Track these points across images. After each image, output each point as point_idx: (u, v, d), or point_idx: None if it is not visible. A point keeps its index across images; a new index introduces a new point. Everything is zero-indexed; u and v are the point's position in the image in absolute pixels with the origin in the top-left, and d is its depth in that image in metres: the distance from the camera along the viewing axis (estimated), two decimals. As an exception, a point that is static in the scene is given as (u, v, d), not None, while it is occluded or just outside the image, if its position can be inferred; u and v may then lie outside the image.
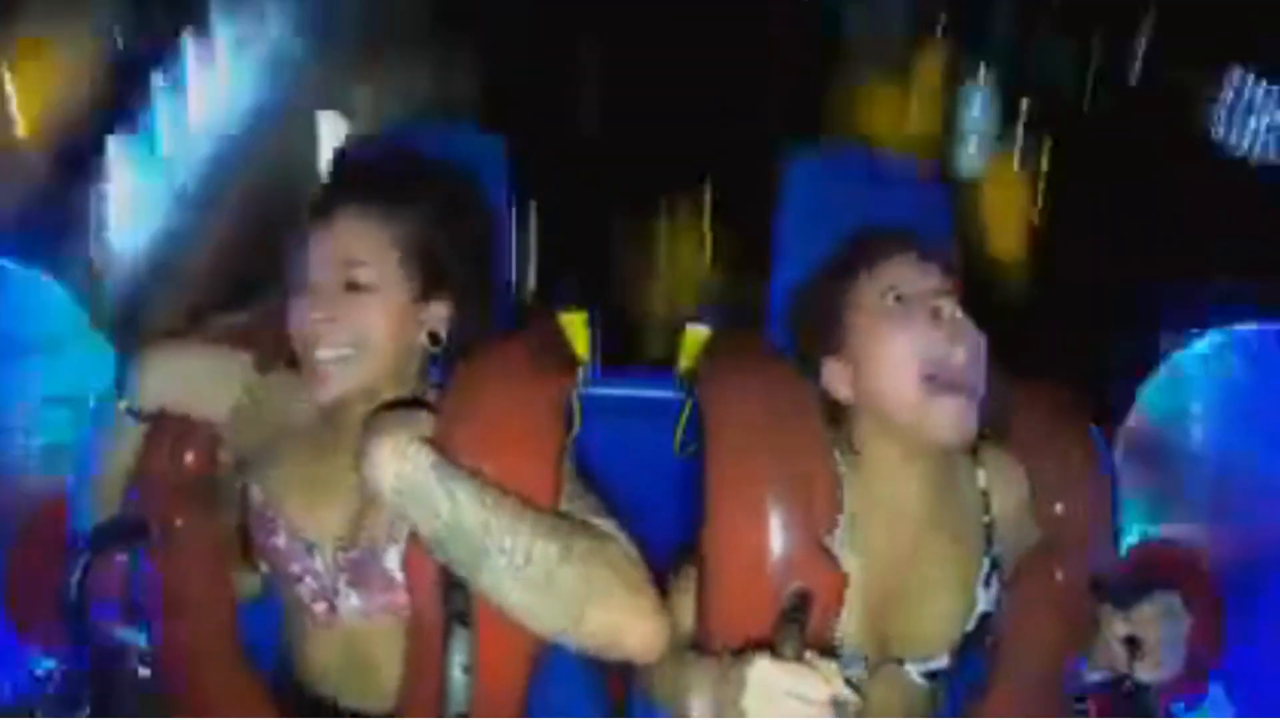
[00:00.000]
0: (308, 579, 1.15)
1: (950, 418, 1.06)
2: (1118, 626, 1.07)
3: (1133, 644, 1.06)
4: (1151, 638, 1.05)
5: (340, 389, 1.10)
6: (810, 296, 1.20)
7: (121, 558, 1.15)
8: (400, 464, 0.99)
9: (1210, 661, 1.47)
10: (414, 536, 1.06)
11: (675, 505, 1.29)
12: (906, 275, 1.12)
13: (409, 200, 1.14)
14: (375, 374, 1.12)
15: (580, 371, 1.47)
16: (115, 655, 1.23)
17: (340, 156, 1.29)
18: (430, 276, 1.14)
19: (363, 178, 1.16)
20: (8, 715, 1.71)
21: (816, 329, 1.16)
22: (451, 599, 0.99)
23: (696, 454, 1.14)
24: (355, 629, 1.14)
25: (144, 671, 1.20)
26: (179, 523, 1.12)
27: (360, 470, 1.01)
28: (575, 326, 1.50)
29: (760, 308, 1.34)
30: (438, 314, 1.15)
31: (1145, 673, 1.06)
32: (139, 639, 1.19)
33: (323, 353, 1.10)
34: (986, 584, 1.15)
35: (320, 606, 1.15)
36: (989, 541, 1.16)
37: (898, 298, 1.11)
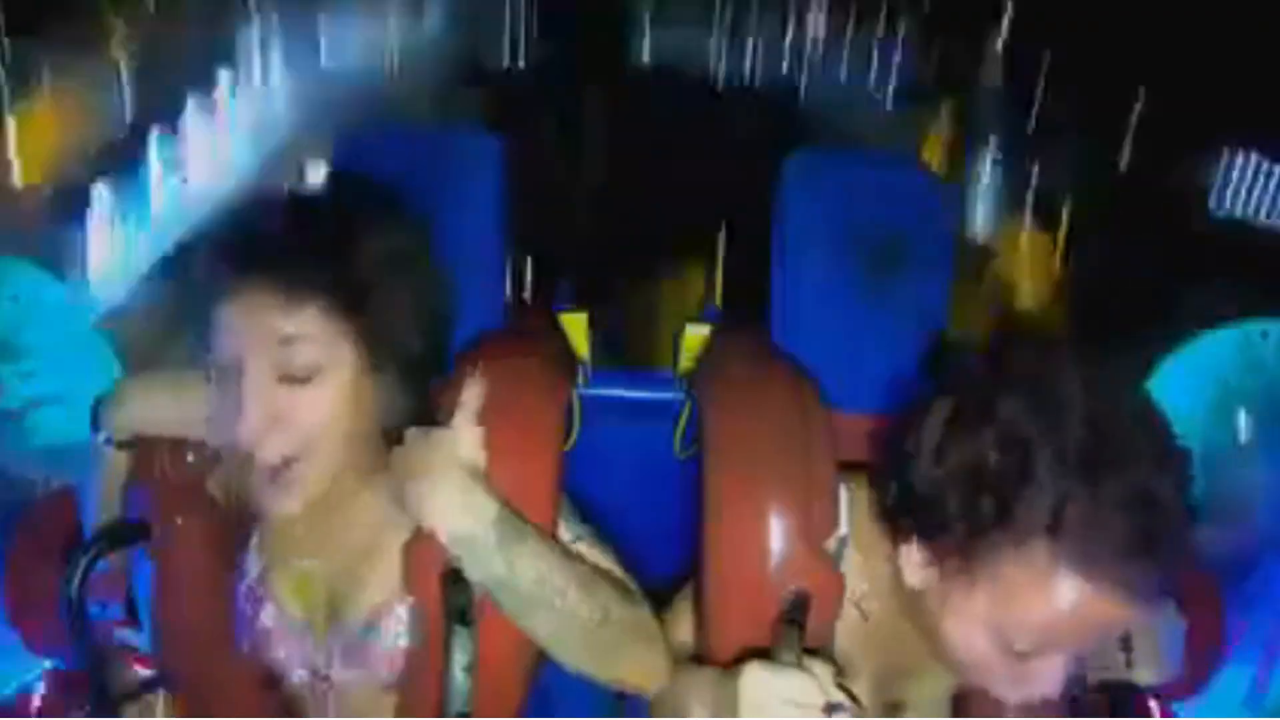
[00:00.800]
0: (298, 669, 1.11)
1: (1018, 689, 0.93)
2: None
3: (1126, 644, 1.05)
4: (1150, 637, 1.05)
5: (300, 501, 1.00)
6: (972, 494, 0.88)
7: (121, 558, 1.15)
8: (463, 518, 0.96)
9: (1210, 663, 1.47)
10: (414, 536, 1.06)
11: (675, 506, 1.29)
12: (1068, 634, 0.88)
13: (341, 265, 0.97)
14: (329, 474, 1.01)
15: (580, 372, 1.48)
16: (115, 655, 1.23)
17: (241, 218, 1.03)
18: (379, 345, 1.00)
19: (278, 243, 0.97)
20: (8, 715, 1.71)
21: (948, 531, 0.90)
22: (453, 598, 0.99)
23: (696, 455, 1.14)
24: (359, 696, 1.11)
25: (144, 671, 1.20)
26: (179, 522, 1.11)
27: (412, 509, 0.97)
28: (575, 327, 1.50)
29: (761, 309, 1.34)
30: (391, 386, 1.02)
31: (1143, 673, 1.05)
32: (139, 639, 1.19)
33: (266, 457, 0.97)
34: None
35: (316, 688, 1.12)
36: None
37: (1035, 646, 0.88)
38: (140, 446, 1.13)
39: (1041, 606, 0.86)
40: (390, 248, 1.00)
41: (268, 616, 1.12)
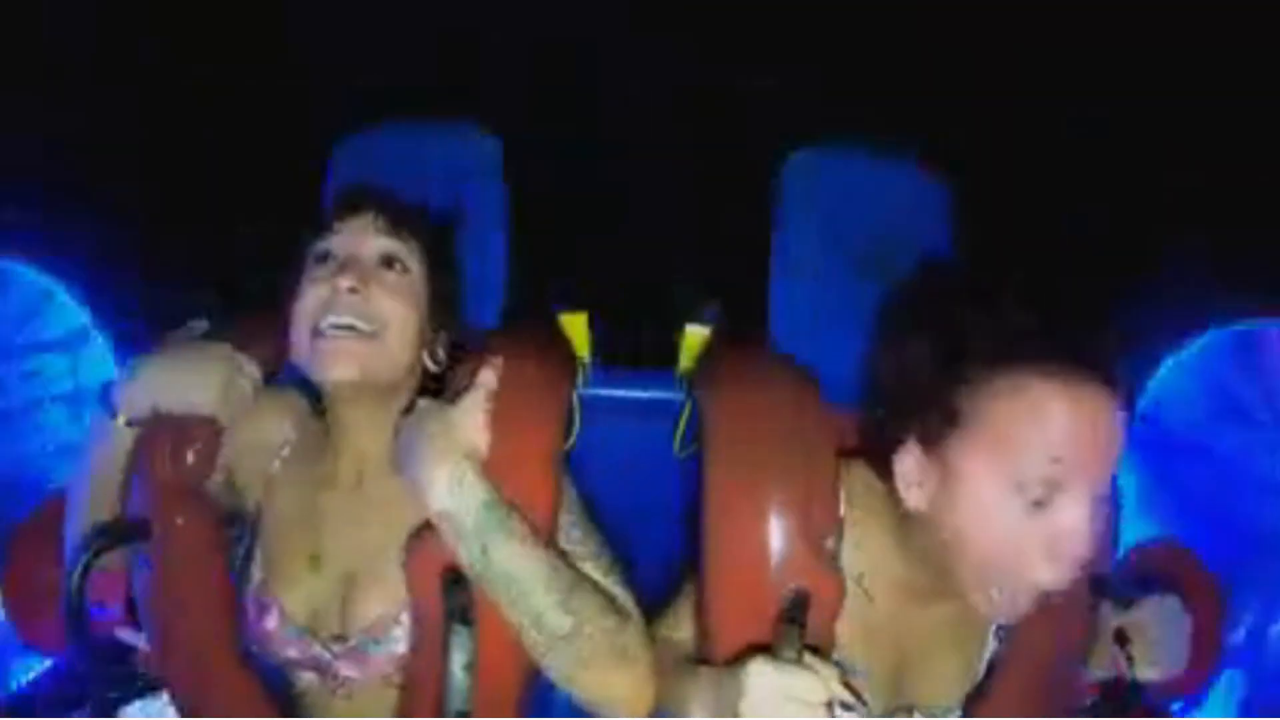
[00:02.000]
0: (304, 669, 1.14)
1: (1013, 613, 0.95)
2: (1115, 624, 1.07)
3: (1126, 642, 1.05)
4: (1151, 637, 1.05)
5: (357, 368, 1.07)
6: (923, 354, 0.97)
7: (121, 557, 1.14)
8: (451, 496, 1.00)
9: (1210, 662, 1.47)
10: (414, 535, 1.06)
11: (675, 506, 1.29)
12: (1070, 441, 0.89)
13: (429, 232, 1.18)
14: (387, 365, 1.10)
15: (580, 372, 1.48)
16: (115, 655, 1.23)
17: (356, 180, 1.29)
18: (438, 301, 1.17)
19: (388, 198, 1.18)
20: (8, 715, 1.71)
21: (915, 405, 0.97)
22: (452, 597, 0.99)
23: (696, 455, 1.14)
24: (364, 692, 1.13)
25: (144, 671, 1.20)
26: (180, 522, 1.11)
27: (408, 474, 1.03)
28: (575, 326, 1.50)
29: (761, 308, 1.33)
30: (438, 342, 1.17)
31: (1144, 673, 1.05)
32: (139, 639, 1.18)
33: (340, 318, 1.07)
34: (997, 633, 1.13)
35: (325, 684, 1.14)
36: None
37: (1038, 501, 0.90)
38: (152, 425, 1.13)
39: (1031, 426, 0.89)
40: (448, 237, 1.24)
41: (272, 621, 1.13)
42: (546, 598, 1.00)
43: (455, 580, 1.00)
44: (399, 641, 1.09)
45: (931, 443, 0.96)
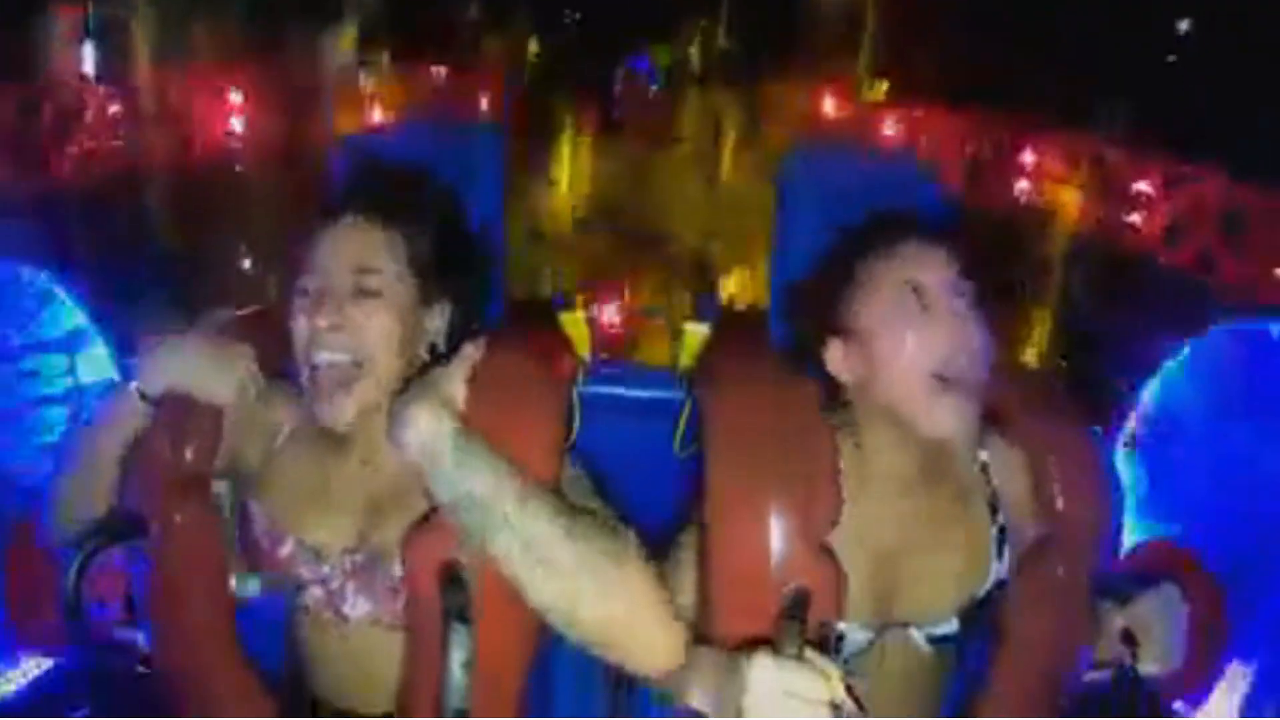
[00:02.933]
0: (314, 587, 1.16)
1: (953, 415, 1.06)
2: (1116, 620, 1.07)
3: (1129, 637, 1.05)
4: (1154, 630, 1.05)
5: (350, 411, 1.11)
6: (821, 272, 1.18)
7: (120, 555, 1.14)
8: (425, 426, 1.03)
9: (1211, 661, 1.47)
10: (413, 533, 1.06)
11: (675, 505, 1.29)
12: (924, 263, 1.10)
13: (414, 211, 1.17)
14: (379, 389, 1.12)
15: (580, 371, 1.48)
16: (115, 655, 1.23)
17: (348, 167, 1.29)
18: (431, 284, 1.16)
19: (371, 189, 1.18)
20: (8, 715, 1.71)
21: (824, 306, 1.15)
22: (451, 595, 0.99)
23: (696, 454, 1.14)
24: (363, 636, 1.15)
25: (144, 671, 1.20)
26: (178, 519, 1.11)
27: (390, 431, 1.05)
28: (575, 326, 1.50)
29: (761, 306, 1.33)
30: (435, 322, 1.17)
31: (1148, 665, 1.05)
32: (138, 638, 1.18)
33: (324, 356, 1.10)
34: (999, 553, 1.15)
35: (328, 614, 1.16)
36: (994, 510, 1.16)
37: (915, 289, 1.09)
38: (161, 414, 1.14)
39: (899, 266, 1.10)
40: (449, 207, 1.22)
41: (286, 548, 1.17)
42: (536, 503, 1.01)
43: (454, 578, 1.00)
44: (401, 569, 1.10)
45: (840, 326, 1.12)
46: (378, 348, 1.12)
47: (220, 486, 1.18)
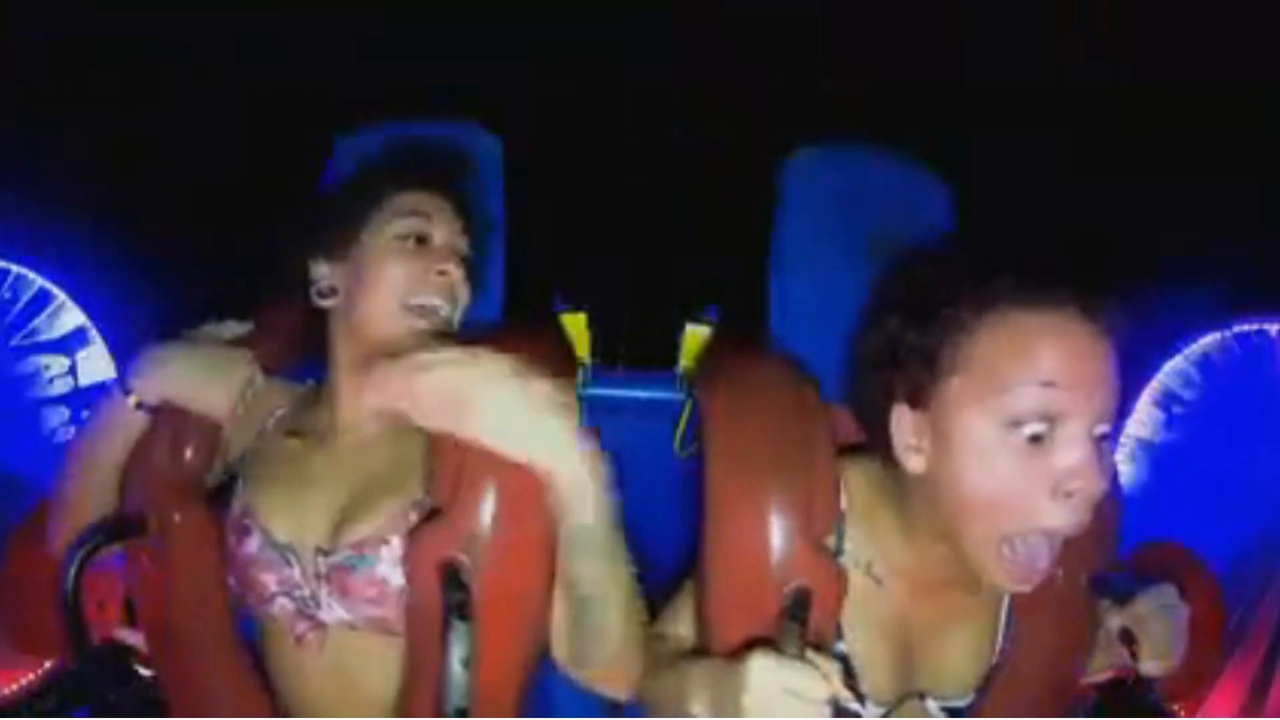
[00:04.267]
0: (281, 597, 1.10)
1: (1021, 581, 0.93)
2: (1115, 620, 1.06)
3: (1128, 637, 1.05)
4: (1153, 628, 1.05)
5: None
6: (901, 309, 0.96)
7: (120, 556, 1.14)
8: (573, 454, 0.98)
9: (1211, 662, 1.47)
10: (414, 531, 1.06)
11: (675, 506, 1.29)
12: (1065, 373, 0.85)
13: (469, 191, 1.25)
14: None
15: (580, 372, 1.48)
16: (115, 655, 1.23)
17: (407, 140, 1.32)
18: (471, 277, 1.22)
19: (462, 187, 1.24)
20: (8, 715, 1.71)
21: (899, 364, 0.95)
22: (451, 592, 0.99)
23: (696, 454, 1.14)
24: (340, 645, 1.10)
25: (144, 671, 1.20)
26: (177, 519, 1.11)
27: (501, 440, 0.97)
28: (575, 326, 1.50)
29: (761, 307, 1.33)
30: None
31: (1148, 664, 1.05)
32: (138, 638, 1.18)
33: (431, 300, 1.16)
34: (1008, 621, 1.13)
35: (301, 626, 1.10)
36: None
37: (1035, 437, 0.86)
38: (160, 418, 1.14)
39: (1016, 357, 0.86)
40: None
41: (253, 544, 1.12)
42: (625, 603, 1.04)
43: (454, 575, 1.00)
44: (385, 564, 1.07)
45: (920, 400, 0.94)
46: (459, 307, 1.19)
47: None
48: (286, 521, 1.12)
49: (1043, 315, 0.88)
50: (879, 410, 0.99)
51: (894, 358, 0.95)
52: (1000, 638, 1.13)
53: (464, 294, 1.20)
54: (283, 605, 1.11)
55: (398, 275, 1.15)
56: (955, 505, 0.93)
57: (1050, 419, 0.86)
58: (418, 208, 1.19)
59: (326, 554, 1.09)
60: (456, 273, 1.18)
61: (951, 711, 1.12)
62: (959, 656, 1.11)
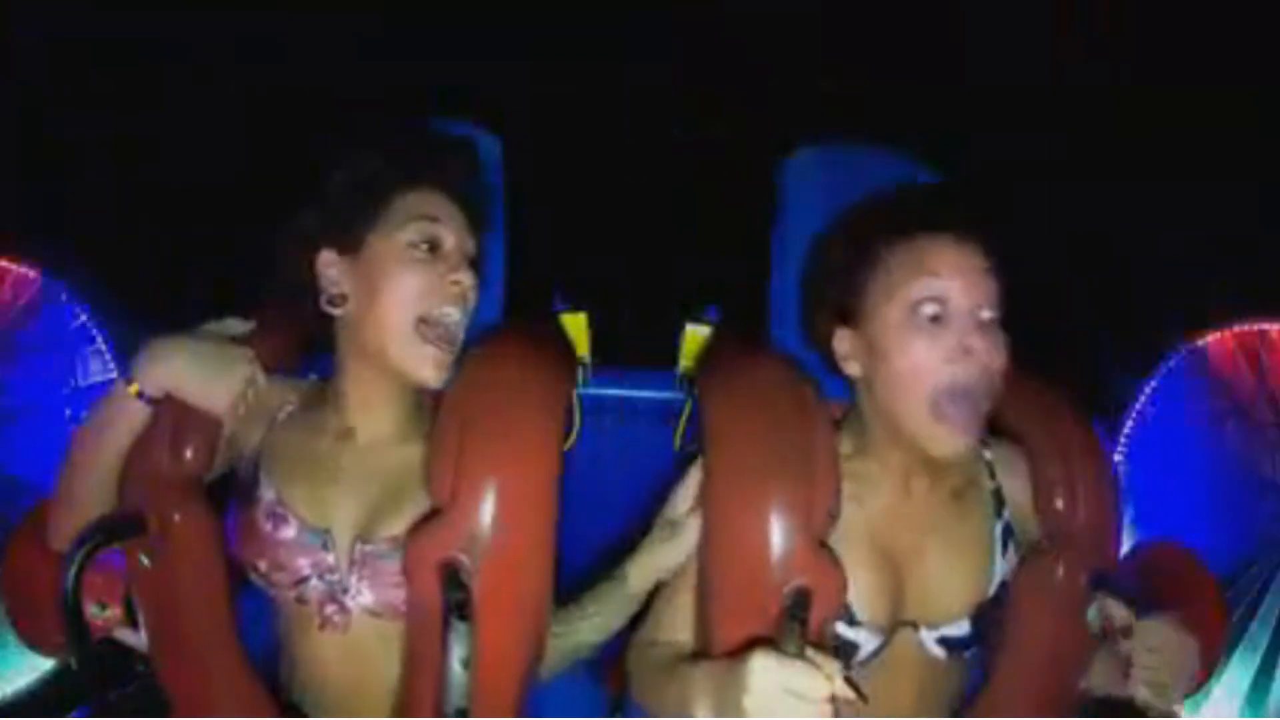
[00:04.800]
0: (315, 579, 1.14)
1: (958, 437, 1.06)
2: (1123, 645, 1.06)
3: (1130, 635, 1.05)
4: (1156, 664, 1.04)
5: (439, 377, 1.14)
6: (837, 251, 1.15)
7: (120, 556, 1.14)
8: None
9: (1210, 664, 1.47)
10: (414, 531, 1.06)
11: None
12: (947, 263, 1.07)
13: (477, 191, 1.23)
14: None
15: (580, 372, 1.48)
16: (115, 655, 1.23)
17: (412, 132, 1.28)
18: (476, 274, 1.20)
19: (477, 191, 1.22)
20: (8, 715, 1.71)
21: (836, 294, 1.14)
22: (451, 592, 0.99)
23: (696, 454, 1.14)
24: (361, 631, 1.14)
25: (144, 671, 1.20)
26: (177, 518, 1.11)
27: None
28: (575, 326, 1.50)
29: (761, 307, 1.34)
30: None
31: (1143, 694, 1.05)
32: (138, 638, 1.18)
33: (454, 314, 1.15)
34: (1004, 551, 1.15)
35: (330, 608, 1.14)
36: (999, 508, 1.17)
37: (934, 316, 1.07)
38: (160, 413, 1.13)
39: (916, 260, 1.07)
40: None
41: (289, 530, 1.14)
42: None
43: (454, 575, 1.00)
44: None
45: (852, 317, 1.12)
46: (467, 317, 1.17)
47: None
48: (322, 509, 1.15)
49: (934, 236, 1.08)
50: (826, 335, 1.15)
51: (831, 286, 1.14)
52: (995, 571, 1.14)
53: (474, 299, 1.18)
54: (315, 587, 1.14)
55: (412, 286, 1.13)
56: (887, 391, 1.10)
57: (941, 301, 1.06)
58: (428, 211, 1.16)
59: (365, 542, 1.14)
60: (468, 279, 1.16)
61: (946, 641, 1.12)
62: (947, 580, 1.13)
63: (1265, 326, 1.85)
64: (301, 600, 1.15)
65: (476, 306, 1.20)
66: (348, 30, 2.62)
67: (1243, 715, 1.67)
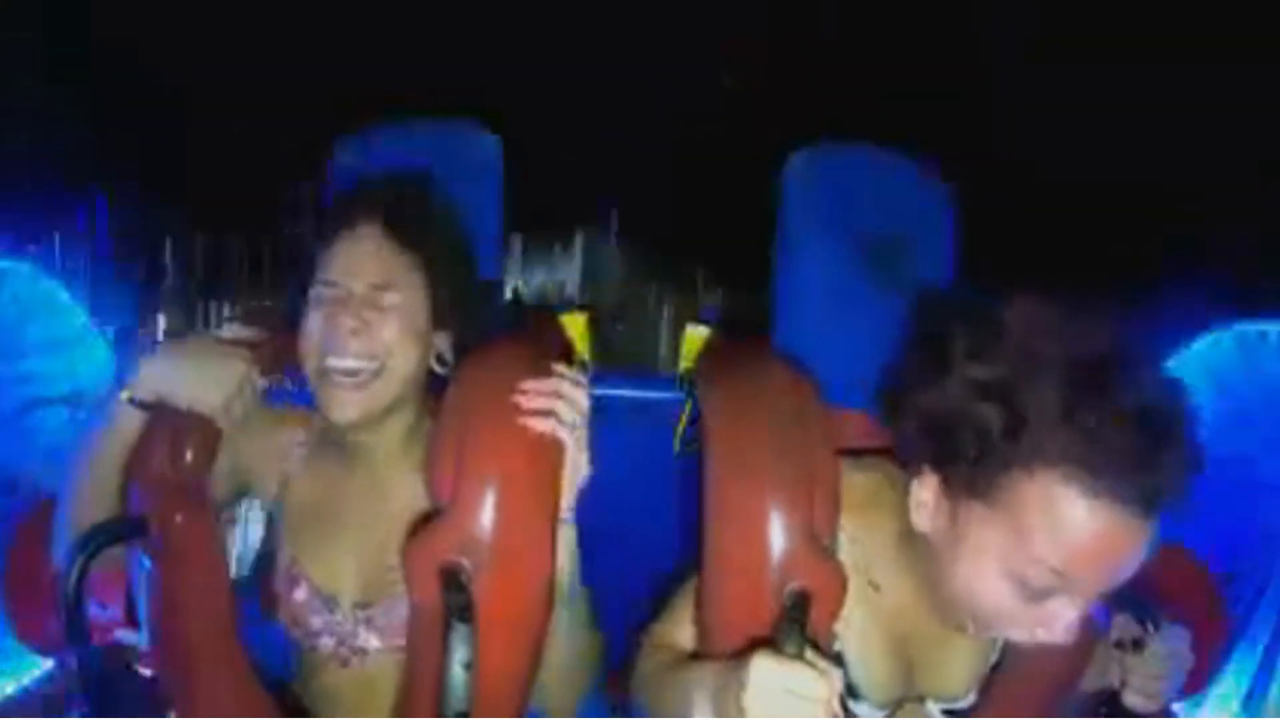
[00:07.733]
0: (325, 636, 1.19)
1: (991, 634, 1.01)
2: (1128, 632, 1.05)
3: (1134, 642, 1.05)
4: (1148, 671, 1.04)
5: (359, 411, 1.12)
6: (972, 404, 0.93)
7: (120, 556, 1.14)
8: None
9: (1209, 665, 1.47)
10: (414, 533, 1.06)
11: (675, 506, 1.29)
12: (1091, 561, 0.88)
13: (430, 228, 1.17)
14: (390, 396, 1.14)
15: (581, 373, 1.47)
16: (115, 655, 1.23)
17: (359, 180, 1.26)
18: (442, 309, 1.17)
19: (388, 202, 1.17)
20: (8, 715, 1.71)
21: (964, 448, 0.94)
22: (452, 595, 0.99)
23: (696, 455, 1.14)
24: (378, 666, 1.18)
25: (144, 671, 1.20)
26: (178, 520, 1.11)
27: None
28: (577, 327, 1.49)
29: (762, 309, 1.34)
30: (442, 340, 1.18)
31: (1133, 700, 1.05)
32: (139, 639, 1.18)
33: (345, 362, 1.11)
34: None
35: (343, 652, 1.19)
36: None
37: (1041, 586, 0.91)
38: (154, 411, 1.14)
39: (1054, 532, 0.88)
40: (457, 227, 1.22)
41: (301, 593, 1.20)
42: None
43: (454, 578, 1.00)
44: None
45: (954, 491, 0.97)
46: (396, 355, 1.12)
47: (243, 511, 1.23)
48: (327, 571, 1.20)
49: (1092, 504, 0.88)
50: (908, 452, 1.02)
51: (953, 445, 0.95)
52: (999, 642, 1.12)
53: (406, 346, 1.13)
54: (326, 643, 1.20)
55: (311, 333, 1.13)
56: (941, 574, 0.99)
57: (1051, 592, 0.92)
58: (345, 249, 1.14)
59: (364, 607, 1.18)
60: (381, 324, 1.11)
61: (952, 713, 1.12)
62: (959, 660, 1.12)
63: (1265, 326, 1.85)
64: (315, 650, 1.21)
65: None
66: (348, 30, 2.62)
67: (1242, 715, 1.67)
